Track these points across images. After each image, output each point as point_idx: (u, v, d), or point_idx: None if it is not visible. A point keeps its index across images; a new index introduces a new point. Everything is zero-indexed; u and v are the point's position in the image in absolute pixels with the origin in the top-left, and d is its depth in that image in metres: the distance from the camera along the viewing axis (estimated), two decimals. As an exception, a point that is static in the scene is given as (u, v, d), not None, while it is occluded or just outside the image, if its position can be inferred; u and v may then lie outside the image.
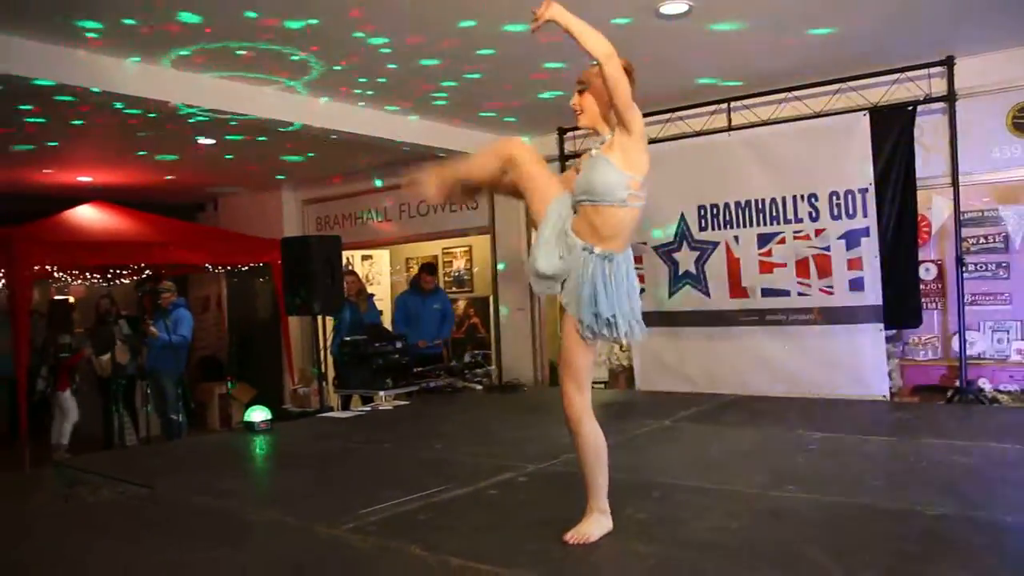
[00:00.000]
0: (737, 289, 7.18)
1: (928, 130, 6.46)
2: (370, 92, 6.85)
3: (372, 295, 8.96)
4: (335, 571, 2.72)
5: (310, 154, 8.91)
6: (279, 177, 10.49)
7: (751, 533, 2.96)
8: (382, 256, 11.54)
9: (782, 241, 6.94)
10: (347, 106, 7.16)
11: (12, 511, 3.90)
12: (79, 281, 10.73)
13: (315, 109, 6.96)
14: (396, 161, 9.46)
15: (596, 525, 2.94)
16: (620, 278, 3.01)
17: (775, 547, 2.78)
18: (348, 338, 7.37)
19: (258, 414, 5.73)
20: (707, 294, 7.36)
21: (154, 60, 5.74)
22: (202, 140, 7.93)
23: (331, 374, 8.12)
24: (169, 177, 9.72)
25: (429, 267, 8.84)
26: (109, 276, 10.43)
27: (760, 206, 7.06)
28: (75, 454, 7.83)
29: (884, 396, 6.37)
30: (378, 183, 10.06)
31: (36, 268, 8.40)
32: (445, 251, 11.42)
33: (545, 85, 6.72)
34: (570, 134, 8.30)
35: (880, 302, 6.48)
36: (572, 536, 2.90)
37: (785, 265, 6.93)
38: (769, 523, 3.07)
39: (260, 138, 7.88)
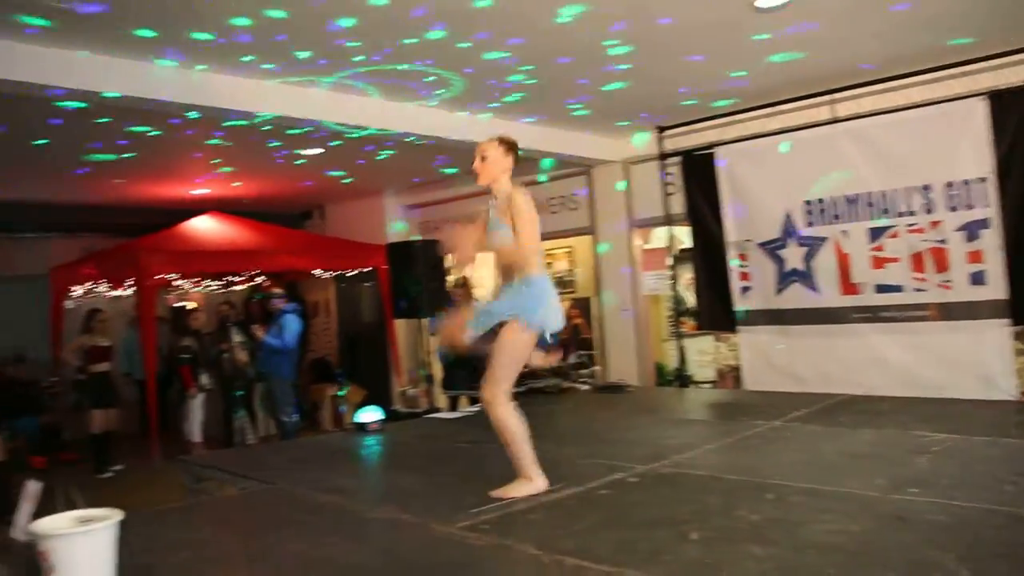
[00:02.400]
0: (848, 285, 6.97)
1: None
2: (494, 104, 7.00)
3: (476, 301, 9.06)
4: (454, 567, 2.76)
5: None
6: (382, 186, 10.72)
7: (874, 537, 2.86)
8: (485, 259, 11.60)
9: (895, 235, 6.71)
10: (456, 115, 7.32)
11: (144, 502, 4.11)
12: (197, 288, 11.24)
13: (436, 119, 7.14)
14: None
15: (521, 488, 3.60)
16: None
17: (901, 552, 2.68)
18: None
19: (369, 415, 5.85)
20: (816, 291, 7.17)
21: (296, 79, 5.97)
22: (309, 151, 8.19)
23: (438, 376, 8.25)
24: (296, 184, 10.02)
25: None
26: (225, 283, 10.89)
27: (870, 200, 6.84)
28: (202, 451, 8.22)
29: (1012, 396, 6.05)
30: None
31: (159, 276, 8.85)
32: (547, 252, 11.43)
33: (644, 85, 6.69)
34: (670, 131, 8.21)
35: (1005, 296, 6.17)
36: (497, 493, 3.57)
37: (898, 260, 6.69)
38: (893, 527, 2.95)
39: (367, 148, 8.10)
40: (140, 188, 9.68)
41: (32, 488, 3.10)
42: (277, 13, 4.74)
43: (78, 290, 9.87)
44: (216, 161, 8.46)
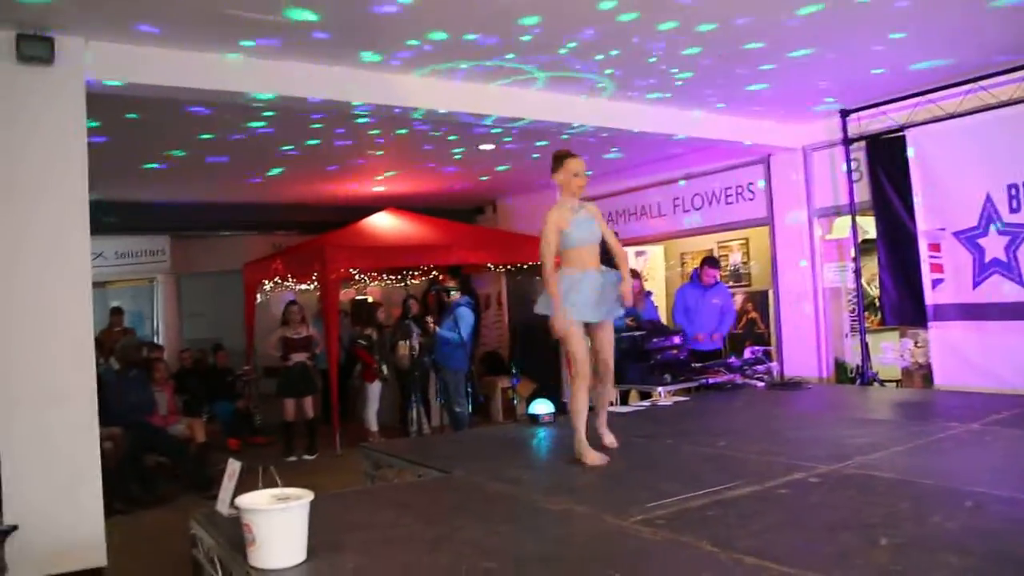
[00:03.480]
0: (1059, 278, 6.38)
1: None
2: (655, 93, 6.94)
3: (650, 292, 8.99)
4: (630, 560, 2.76)
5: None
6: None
7: (1089, 552, 2.62)
8: (656, 252, 11.52)
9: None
10: (625, 105, 7.30)
11: (329, 485, 4.34)
12: (376, 282, 11.79)
13: (600, 109, 7.15)
14: (669, 155, 9.44)
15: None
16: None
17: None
18: (626, 334, 7.45)
19: (541, 407, 5.92)
20: (1020, 284, 6.61)
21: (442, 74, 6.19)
22: (483, 147, 8.41)
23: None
24: (483, 179, 10.31)
25: (712, 260, 8.70)
26: (401, 277, 11.35)
27: (1086, 182, 6.22)
28: (380, 439, 8.62)
29: None
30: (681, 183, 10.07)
31: (341, 271, 9.34)
32: (721, 244, 11.18)
33: (824, 68, 6.40)
34: (854, 115, 7.80)
35: None
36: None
37: (1120, 249, 6.05)
38: (1113, 542, 2.70)
39: (539, 143, 8.21)
40: (323, 187, 10.28)
41: (233, 467, 3.36)
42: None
43: (268, 284, 10.60)
44: (392, 173, 8.85)
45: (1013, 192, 6.64)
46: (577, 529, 3.19)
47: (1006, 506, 3.16)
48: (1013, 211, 6.64)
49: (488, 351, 11.77)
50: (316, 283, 9.87)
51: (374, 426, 9.27)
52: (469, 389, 8.46)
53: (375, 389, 9.35)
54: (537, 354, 11.21)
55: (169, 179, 9.14)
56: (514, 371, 9.99)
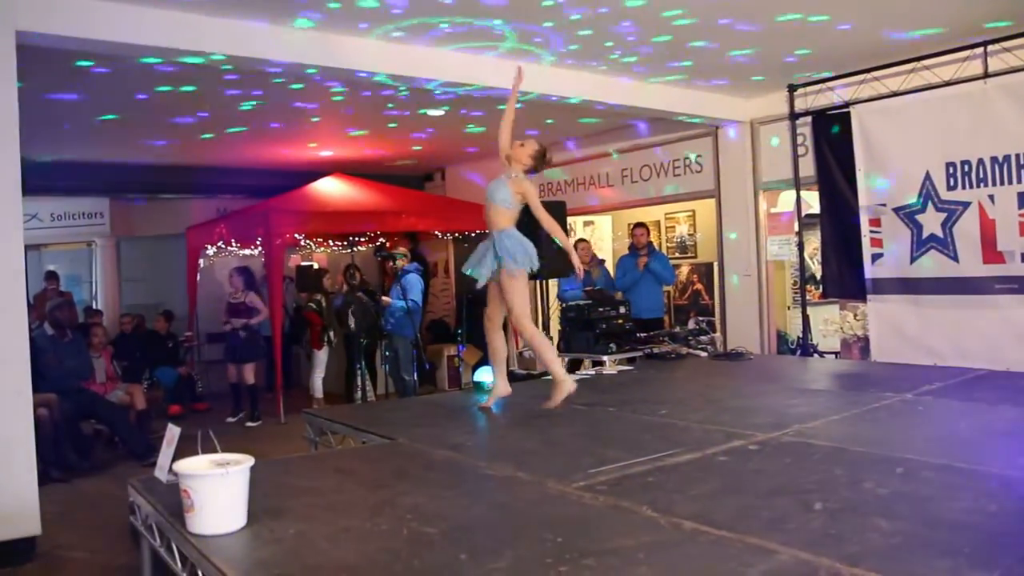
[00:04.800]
0: (991, 253, 6.57)
1: None
2: (604, 63, 6.91)
3: (603, 260, 9.03)
4: (570, 525, 2.79)
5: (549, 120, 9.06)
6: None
7: (1013, 518, 2.72)
8: (604, 222, 11.58)
9: (1048, 200, 6.26)
10: (580, 75, 7.26)
11: (271, 451, 4.31)
12: (322, 248, 11.64)
13: (549, 78, 7.12)
14: (615, 127, 9.46)
15: (561, 390, 4.84)
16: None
17: (1045, 536, 2.54)
18: (572, 303, 7.49)
19: (487, 375, 5.92)
20: (955, 259, 6.79)
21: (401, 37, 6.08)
22: (431, 112, 8.32)
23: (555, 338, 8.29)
24: (417, 148, 10.22)
25: (638, 224, 8.85)
26: (348, 243, 11.21)
27: (1021, 161, 6.38)
28: (326, 406, 8.57)
29: None
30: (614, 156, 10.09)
31: (286, 236, 9.20)
32: (668, 216, 11.28)
33: (777, 40, 6.44)
34: (801, 91, 7.89)
35: None
36: (547, 404, 4.81)
37: (1051, 227, 6.24)
38: (1035, 508, 2.80)
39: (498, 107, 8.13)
40: (269, 150, 10.08)
41: (172, 432, 3.30)
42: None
43: (211, 249, 10.41)
44: (355, 133, 8.70)
45: (951, 170, 6.80)
46: (519, 495, 3.21)
47: (934, 472, 3.26)
48: (950, 188, 6.81)
49: (435, 319, 11.74)
50: (261, 248, 9.72)
51: (319, 393, 9.21)
52: (415, 357, 8.44)
53: (322, 356, 9.27)
54: (482, 322, 11.21)
55: (109, 139, 8.87)
56: (460, 339, 9.98)
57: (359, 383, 8.54)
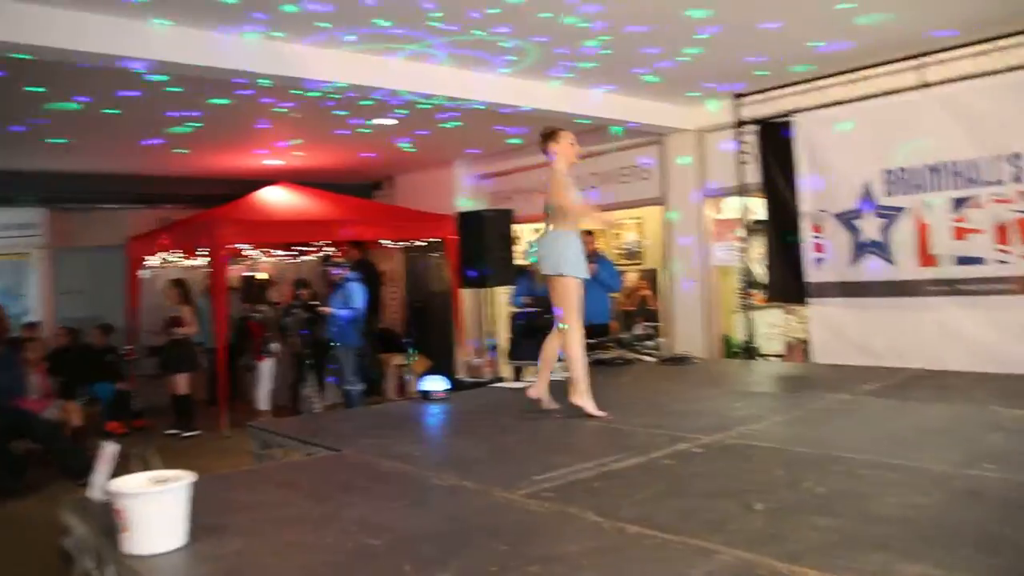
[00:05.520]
0: (926, 257, 6.78)
1: None
2: (566, 73, 7.00)
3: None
4: (516, 532, 2.80)
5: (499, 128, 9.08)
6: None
7: (944, 511, 2.81)
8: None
9: (978, 205, 6.47)
10: (528, 83, 7.33)
11: (214, 466, 4.24)
12: (268, 258, 11.52)
13: (498, 86, 7.17)
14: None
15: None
16: None
17: (972, 528, 2.63)
18: (521, 311, 7.52)
19: (434, 383, 5.91)
20: (892, 263, 6.99)
21: (335, 43, 6.06)
22: (380, 121, 8.28)
23: (503, 346, 8.32)
24: (365, 155, 10.18)
25: (587, 231, 8.88)
26: (295, 253, 11.12)
27: (954, 168, 6.61)
28: (270, 418, 8.47)
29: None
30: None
31: (231, 246, 9.09)
32: (616, 222, 11.36)
33: (726, 50, 6.56)
34: (746, 99, 8.03)
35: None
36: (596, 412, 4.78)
37: (982, 231, 6.46)
38: (965, 502, 2.90)
39: (437, 116, 8.14)
40: (214, 159, 9.94)
41: (108, 450, 3.23)
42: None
43: (153, 260, 10.22)
44: (295, 142, 8.63)
45: (889, 177, 6.99)
46: (466, 504, 3.21)
47: (870, 469, 3.35)
48: (888, 195, 7.00)
49: (382, 328, 11.68)
50: (206, 259, 9.59)
51: (264, 406, 9.10)
52: (363, 367, 8.39)
53: (266, 368, 9.16)
54: (432, 331, 11.21)
55: (45, 146, 8.65)
56: (409, 348, 9.96)
57: (306, 395, 8.46)
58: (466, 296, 10.40)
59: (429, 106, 7.28)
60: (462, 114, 7.77)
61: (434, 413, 5.51)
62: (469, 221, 7.60)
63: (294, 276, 9.92)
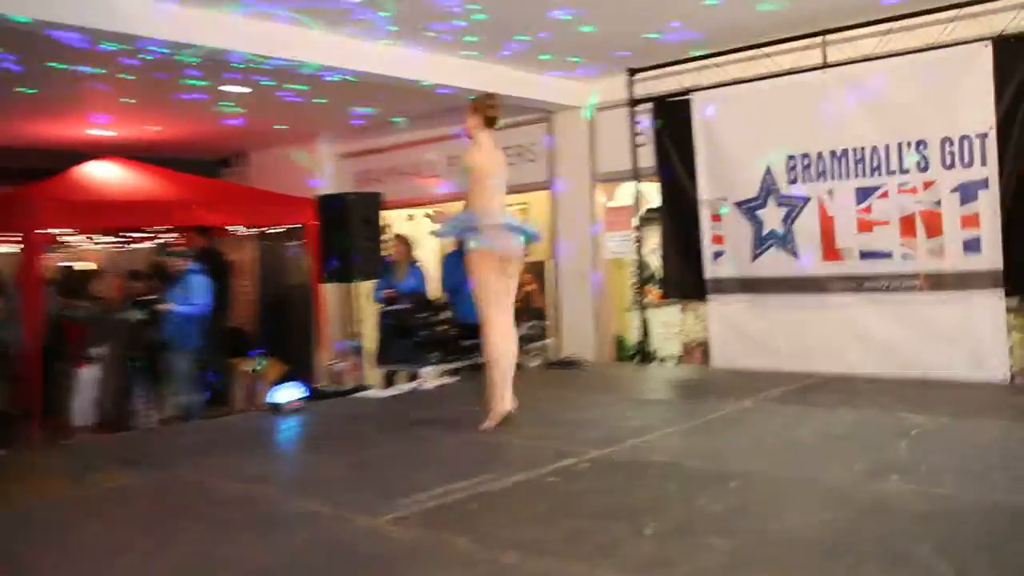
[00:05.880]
0: (831, 251, 7.03)
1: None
2: (429, 35, 6.91)
3: (415, 261, 8.96)
4: (377, 565, 2.74)
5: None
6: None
7: (848, 527, 2.91)
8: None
9: (884, 195, 6.76)
10: (398, 49, 7.20)
11: (15, 496, 4.00)
12: (94, 246, 10.97)
13: (362, 52, 7.02)
14: (439, 110, 9.46)
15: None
16: None
17: (876, 544, 2.72)
18: (390, 308, 7.43)
19: (288, 392, 5.81)
20: (796, 257, 7.23)
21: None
22: (231, 88, 8.01)
23: (371, 348, 8.19)
24: (221, 127, 9.84)
25: None
26: (126, 240, 10.62)
27: (859, 155, 6.89)
28: (92, 434, 8.07)
29: (1004, 376, 6.18)
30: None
31: (49, 230, 8.60)
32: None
33: (617, 21, 6.62)
34: (641, 75, 8.14)
35: (1000, 266, 6.26)
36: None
37: (887, 223, 6.75)
38: (869, 517, 3.00)
39: (298, 86, 7.94)
40: (34, 127, 9.41)
41: None
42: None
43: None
44: (127, 100, 8.26)
45: (792, 164, 7.22)
46: (320, 533, 3.13)
47: (769, 485, 3.45)
48: (791, 182, 7.22)
49: (230, 328, 11.32)
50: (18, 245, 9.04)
51: (85, 420, 8.65)
52: (206, 373, 8.10)
53: (87, 375, 8.72)
54: (289, 331, 10.95)
55: None
56: (261, 351, 9.68)
57: (136, 407, 8.12)
58: (328, 291, 10.20)
59: (270, 74, 7.08)
60: (325, 84, 7.58)
61: (289, 426, 5.41)
62: (332, 205, 7.44)
63: (126, 267, 9.45)
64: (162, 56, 6.48)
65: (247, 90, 8.06)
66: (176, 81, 7.59)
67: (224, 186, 11.17)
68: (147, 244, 10.54)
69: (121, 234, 10.28)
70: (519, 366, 7.28)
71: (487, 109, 5.16)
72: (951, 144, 6.44)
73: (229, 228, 10.30)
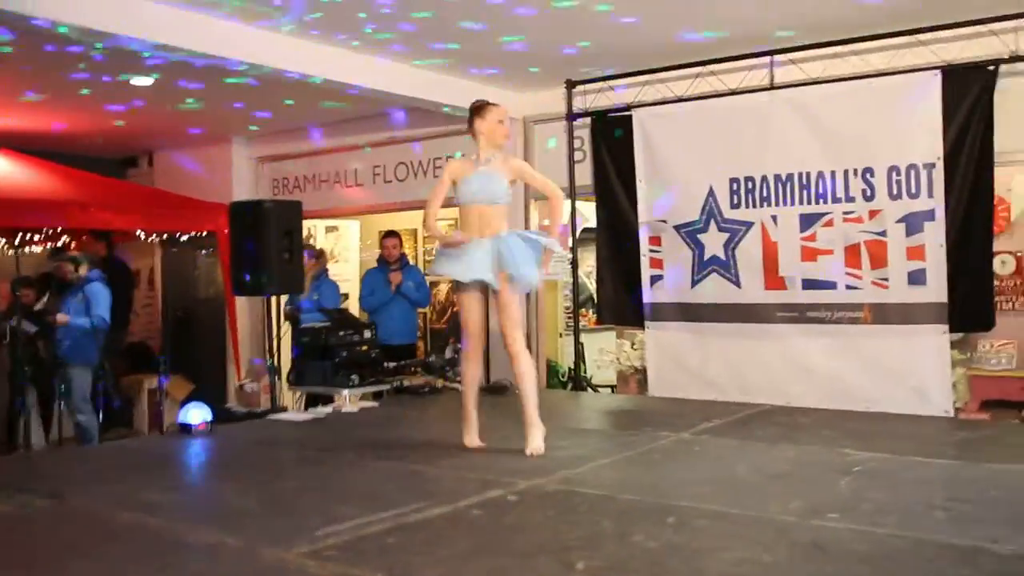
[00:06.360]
0: (773, 279, 7.17)
1: (1013, 95, 6.35)
2: (356, 40, 6.91)
3: (323, 275, 8.88)
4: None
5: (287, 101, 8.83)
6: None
7: (786, 568, 2.96)
8: (351, 228, 11.49)
9: (829, 223, 6.92)
10: (328, 49, 7.18)
11: None
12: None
13: (293, 50, 6.99)
14: (367, 115, 9.44)
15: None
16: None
17: (815, 587, 2.77)
18: (307, 326, 7.37)
19: (196, 413, 5.74)
20: (737, 284, 7.35)
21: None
22: (137, 81, 7.89)
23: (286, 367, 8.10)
24: (119, 124, 9.66)
25: (388, 232, 8.89)
26: (9, 243, 10.31)
27: (804, 181, 7.04)
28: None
29: (947, 412, 6.37)
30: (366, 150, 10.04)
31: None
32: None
33: (555, 29, 6.69)
34: (580, 88, 8.23)
35: (944, 300, 6.45)
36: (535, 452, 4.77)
37: (832, 252, 6.91)
38: (808, 557, 3.06)
39: (214, 82, 7.84)
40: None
41: None
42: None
43: None
44: (32, 98, 8.06)
45: (735, 187, 7.34)
46: (224, 568, 3.08)
47: (708, 520, 3.49)
48: (734, 207, 7.35)
49: (133, 342, 11.11)
50: None
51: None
52: (104, 391, 7.92)
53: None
54: (198, 348, 10.78)
55: None
56: (164, 368, 9.50)
57: (25, 427, 7.90)
58: (242, 305, 10.07)
59: (180, 68, 6.99)
60: (243, 79, 7.51)
61: (194, 451, 5.33)
62: (247, 213, 7.36)
63: (13, 274, 9.17)
64: (60, 40, 6.36)
65: (149, 81, 7.92)
66: (73, 69, 7.45)
67: (128, 187, 10.95)
68: (38, 248, 10.27)
69: (8, 236, 9.99)
70: (439, 390, 7.33)
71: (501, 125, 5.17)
72: (898, 173, 6.62)
73: (134, 233, 10.11)
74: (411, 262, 9.45)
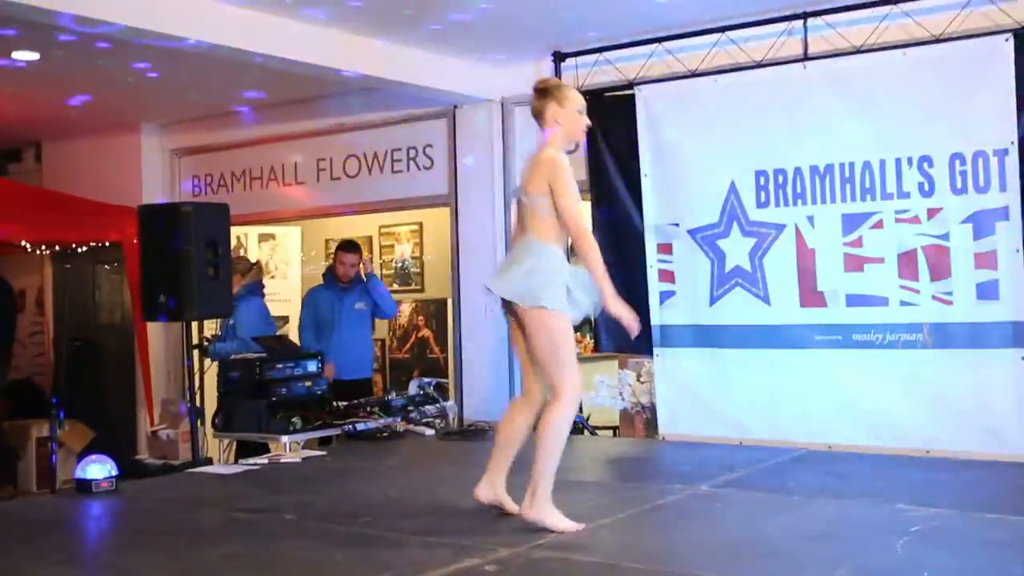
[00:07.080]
0: (810, 295, 7.17)
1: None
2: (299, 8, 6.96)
3: (259, 285, 8.86)
4: None
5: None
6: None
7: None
8: (291, 235, 11.48)
9: (878, 225, 6.93)
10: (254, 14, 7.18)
11: None
12: None
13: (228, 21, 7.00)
14: (318, 95, 9.45)
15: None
16: None
17: None
18: (236, 358, 7.35)
19: (97, 468, 5.71)
20: (766, 301, 7.34)
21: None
22: (20, 55, 7.89)
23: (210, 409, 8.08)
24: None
25: (349, 244, 8.83)
26: None
27: (847, 173, 7.05)
28: None
29: (1027, 457, 6.38)
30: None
31: None
32: (384, 230, 11.42)
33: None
34: (571, 60, 8.23)
35: (1022, 318, 6.43)
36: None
37: (882, 260, 6.92)
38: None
39: (113, 59, 7.86)
40: None
41: None
42: None
43: None
44: None
45: (762, 181, 7.34)
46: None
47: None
48: (761, 206, 7.35)
49: (17, 379, 11.05)
50: None
51: None
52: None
53: None
54: (100, 385, 10.73)
55: None
56: (59, 411, 9.46)
57: None
58: (155, 332, 10.04)
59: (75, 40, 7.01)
60: (164, 55, 7.52)
61: (95, 515, 5.32)
62: (161, 219, 7.36)
63: None
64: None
65: (35, 56, 7.91)
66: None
67: (9, 187, 10.91)
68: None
69: None
70: (407, 435, 7.31)
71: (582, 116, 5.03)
72: (962, 162, 6.61)
73: (16, 244, 10.08)
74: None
